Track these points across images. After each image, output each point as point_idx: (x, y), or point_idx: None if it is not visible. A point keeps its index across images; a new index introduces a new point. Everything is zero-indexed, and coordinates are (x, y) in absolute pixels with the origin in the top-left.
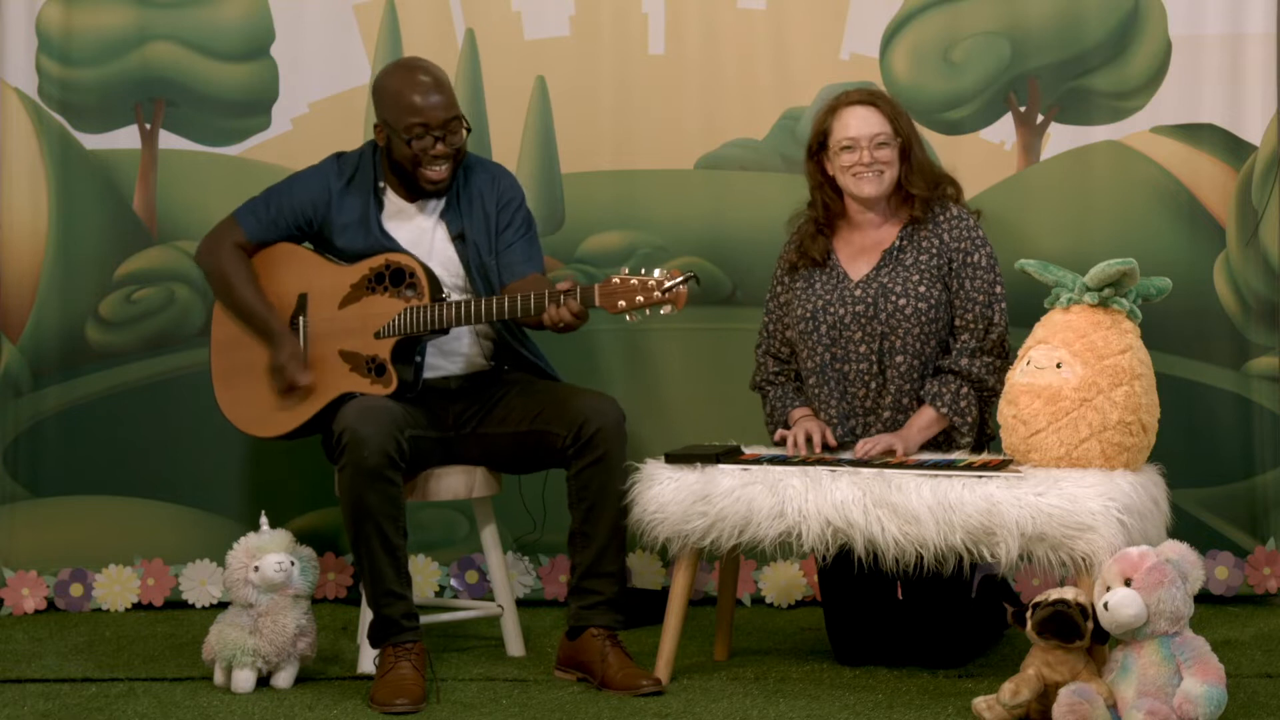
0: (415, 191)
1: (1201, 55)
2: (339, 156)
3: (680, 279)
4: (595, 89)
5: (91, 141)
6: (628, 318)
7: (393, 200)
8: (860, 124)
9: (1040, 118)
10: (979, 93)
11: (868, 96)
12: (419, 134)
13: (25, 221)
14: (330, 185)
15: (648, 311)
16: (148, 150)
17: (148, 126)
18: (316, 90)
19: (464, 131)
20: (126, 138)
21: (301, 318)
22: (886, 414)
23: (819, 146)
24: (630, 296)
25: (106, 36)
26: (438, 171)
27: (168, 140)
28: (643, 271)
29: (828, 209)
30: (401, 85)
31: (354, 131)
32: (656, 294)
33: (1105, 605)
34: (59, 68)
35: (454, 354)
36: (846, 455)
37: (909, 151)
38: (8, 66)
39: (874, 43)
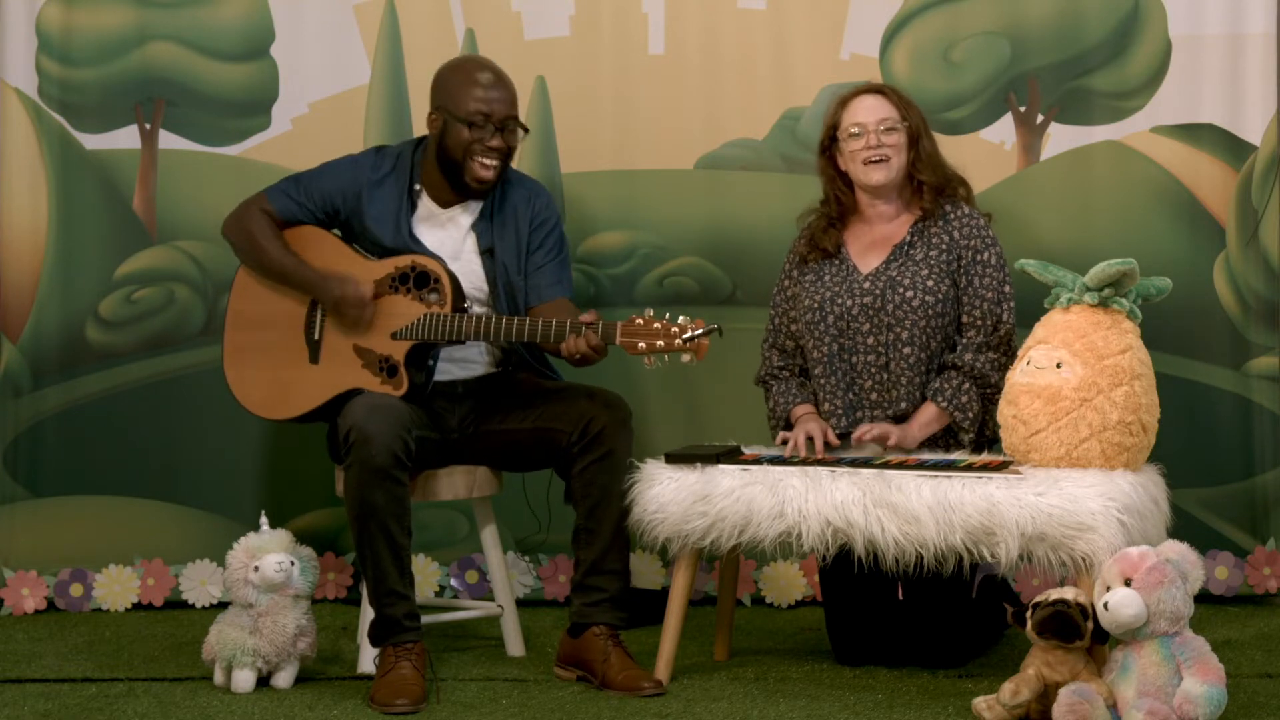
0: (454, 194)
1: (1201, 55)
2: (379, 150)
3: (703, 330)
4: (595, 89)
5: (91, 141)
6: (646, 361)
7: (426, 204)
8: (867, 111)
9: (1040, 118)
10: (979, 93)
11: (876, 87)
12: (480, 122)
13: (25, 221)
14: (363, 177)
15: (666, 358)
16: (148, 150)
17: (148, 126)
18: (316, 90)
19: (520, 133)
20: (126, 138)
21: (320, 306)
22: (893, 406)
23: (830, 140)
24: (651, 340)
25: (106, 36)
26: (487, 168)
27: (168, 140)
28: (666, 317)
29: (840, 203)
30: (470, 73)
31: (354, 131)
32: (678, 342)
33: (1105, 605)
34: (59, 68)
35: (464, 360)
36: (847, 455)
37: (917, 140)
38: (8, 66)
39: (874, 43)
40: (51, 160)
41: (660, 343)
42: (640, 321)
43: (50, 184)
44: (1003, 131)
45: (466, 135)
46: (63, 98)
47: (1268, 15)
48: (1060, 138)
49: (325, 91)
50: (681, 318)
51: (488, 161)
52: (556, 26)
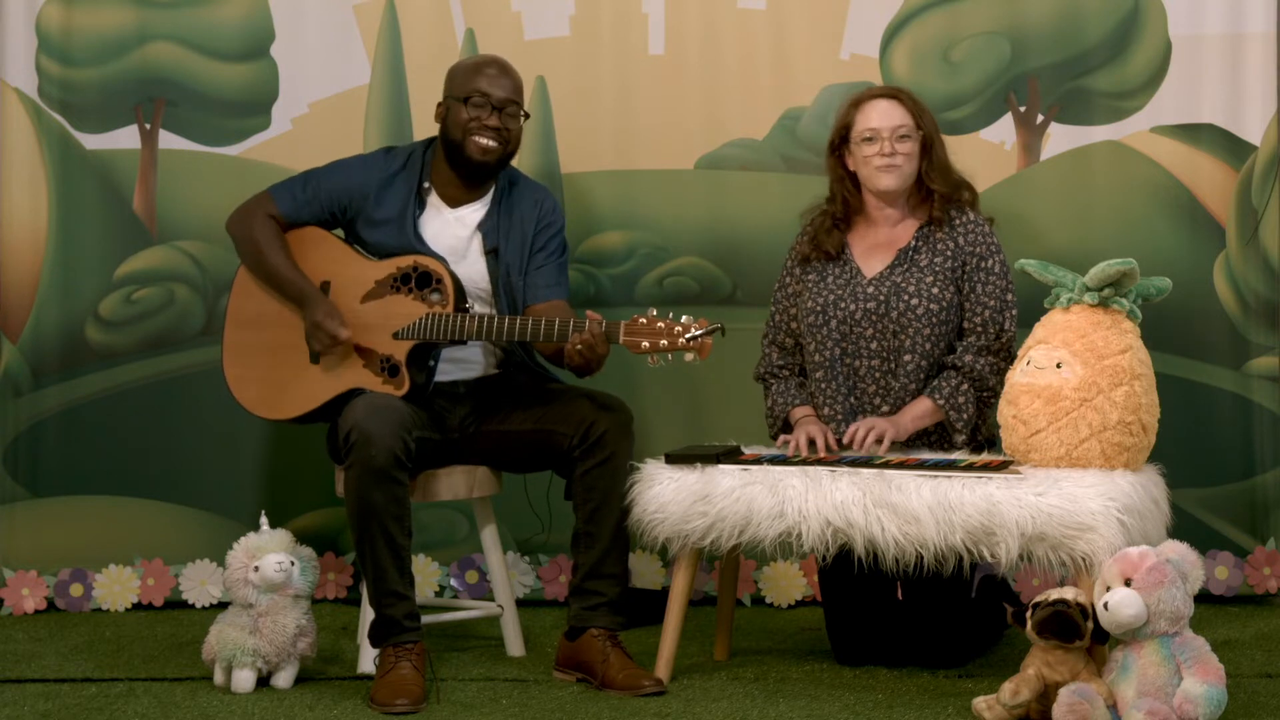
0: (464, 189)
1: (1201, 55)
2: (389, 150)
3: (706, 330)
4: (595, 89)
5: (91, 141)
6: (649, 360)
7: (435, 203)
8: (882, 116)
9: (1040, 118)
10: (979, 93)
11: (891, 91)
12: (479, 101)
13: (25, 221)
14: (372, 179)
15: (670, 357)
16: (148, 150)
17: (148, 126)
18: (316, 90)
19: (521, 119)
20: (126, 138)
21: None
22: (892, 412)
23: (841, 140)
24: (654, 339)
25: (106, 36)
26: (487, 142)
27: (168, 140)
28: (670, 316)
29: (846, 204)
30: (477, 63)
31: (354, 131)
32: (681, 341)
33: (1105, 605)
34: (59, 68)
35: (464, 361)
36: (847, 455)
37: (930, 147)
38: (8, 66)
39: (874, 43)
40: (51, 160)
41: (664, 342)
42: (643, 321)
43: (50, 184)
44: (1003, 131)
45: (465, 114)
46: (63, 98)
47: (1268, 15)
48: (1060, 138)
49: (325, 91)
50: (685, 317)
51: (485, 140)
52: (556, 26)
